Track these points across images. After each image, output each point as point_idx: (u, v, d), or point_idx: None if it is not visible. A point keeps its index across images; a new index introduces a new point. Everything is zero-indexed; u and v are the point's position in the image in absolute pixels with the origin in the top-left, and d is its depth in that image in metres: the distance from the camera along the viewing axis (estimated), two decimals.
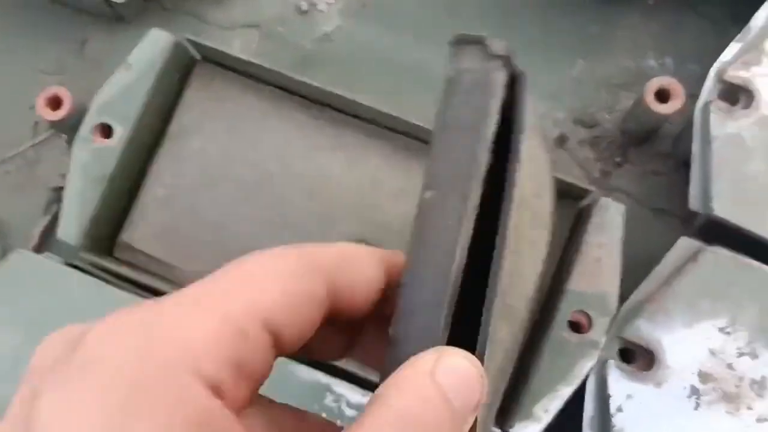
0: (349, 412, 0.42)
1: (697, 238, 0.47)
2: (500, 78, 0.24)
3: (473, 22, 0.57)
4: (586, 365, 0.45)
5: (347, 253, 0.24)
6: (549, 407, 0.45)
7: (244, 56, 0.50)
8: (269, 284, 0.21)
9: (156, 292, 0.46)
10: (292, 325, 0.21)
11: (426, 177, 0.23)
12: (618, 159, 0.54)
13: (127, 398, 0.17)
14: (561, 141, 0.54)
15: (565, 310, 0.45)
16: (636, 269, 0.47)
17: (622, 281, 0.46)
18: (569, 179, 0.47)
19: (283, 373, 0.41)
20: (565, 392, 0.45)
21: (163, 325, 0.19)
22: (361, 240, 0.49)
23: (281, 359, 0.22)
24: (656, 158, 0.54)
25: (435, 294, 0.21)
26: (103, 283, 0.45)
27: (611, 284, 0.45)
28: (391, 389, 0.20)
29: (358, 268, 0.23)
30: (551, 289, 0.48)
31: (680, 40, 0.56)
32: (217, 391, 0.19)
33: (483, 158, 0.22)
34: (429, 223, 0.22)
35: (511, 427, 0.44)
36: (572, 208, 0.49)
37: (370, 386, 0.43)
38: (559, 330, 0.45)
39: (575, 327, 0.45)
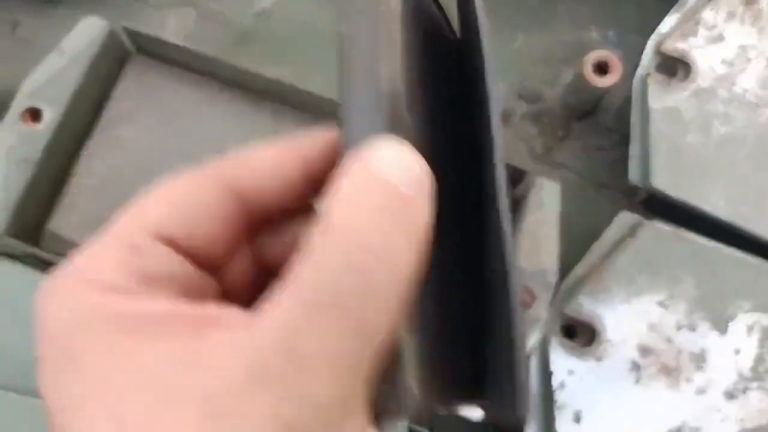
0: None
1: (641, 211, 0.47)
2: None
3: None
4: (530, 340, 0.45)
5: (244, 156, 0.23)
6: None
7: (180, 43, 0.49)
8: (155, 201, 0.22)
9: None
10: (188, 232, 0.22)
11: (338, 16, 0.22)
12: (561, 133, 0.53)
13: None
14: (504, 116, 0.54)
15: None
16: (581, 244, 0.47)
17: (568, 257, 0.46)
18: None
19: None
20: None
21: (72, 263, 0.21)
22: None
23: None
24: (599, 132, 0.54)
25: (369, 102, 0.20)
26: (30, 269, 0.44)
27: (550, 261, 0.45)
28: (329, 201, 0.19)
29: (258, 166, 0.23)
30: None
31: (623, 12, 0.56)
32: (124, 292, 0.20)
33: None
34: (351, 50, 0.21)
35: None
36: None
37: None
38: None
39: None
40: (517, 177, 0.48)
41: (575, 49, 0.55)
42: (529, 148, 0.53)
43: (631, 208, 0.51)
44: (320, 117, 0.50)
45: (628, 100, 0.50)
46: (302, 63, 0.55)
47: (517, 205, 0.48)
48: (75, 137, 0.49)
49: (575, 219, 0.52)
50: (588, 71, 0.47)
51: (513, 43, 0.55)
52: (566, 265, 0.46)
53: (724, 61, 0.47)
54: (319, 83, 0.51)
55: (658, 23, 0.49)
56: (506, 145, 0.53)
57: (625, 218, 0.45)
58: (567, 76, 0.54)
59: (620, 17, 0.56)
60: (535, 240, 0.45)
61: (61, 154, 0.48)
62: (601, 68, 0.48)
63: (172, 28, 0.56)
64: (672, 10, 0.49)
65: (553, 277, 0.45)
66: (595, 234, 0.46)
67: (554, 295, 0.45)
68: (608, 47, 0.55)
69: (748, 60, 0.47)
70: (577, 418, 0.43)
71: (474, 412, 0.23)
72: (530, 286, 0.45)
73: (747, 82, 0.47)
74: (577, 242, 0.47)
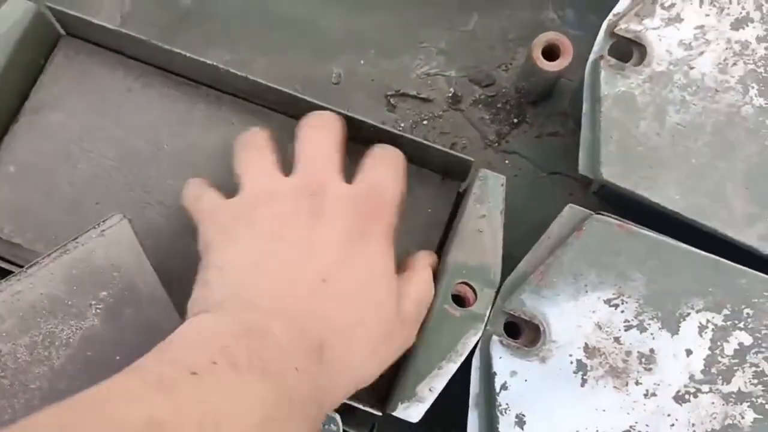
0: None
1: (595, 202, 0.44)
2: None
3: None
4: (470, 340, 0.42)
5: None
6: (433, 386, 0.42)
7: (117, 24, 0.46)
8: None
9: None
10: None
11: None
12: (514, 119, 0.51)
13: None
14: (454, 101, 0.51)
15: (448, 283, 0.42)
16: (534, 235, 0.45)
17: (520, 249, 0.44)
18: (446, 149, 0.44)
19: None
20: (450, 369, 0.42)
21: None
22: None
23: None
24: (554, 118, 0.51)
25: None
26: None
27: (493, 256, 0.43)
28: None
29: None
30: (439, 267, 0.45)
31: None
32: None
33: None
34: None
35: (393, 409, 0.42)
36: (454, 183, 0.46)
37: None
38: (442, 304, 0.42)
39: (459, 301, 0.43)
40: (462, 168, 0.45)
41: (532, 30, 0.52)
42: (481, 134, 0.51)
43: (585, 199, 0.49)
44: (258, 104, 0.47)
45: (582, 85, 0.47)
46: (244, 45, 0.52)
47: (460, 198, 0.46)
48: None
49: (528, 209, 0.49)
50: (537, 55, 0.45)
51: (467, 24, 0.52)
52: (516, 258, 0.43)
53: (681, 44, 0.44)
54: (261, 67, 0.48)
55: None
56: (457, 131, 0.50)
57: (572, 212, 0.43)
58: (522, 59, 0.51)
59: None
60: (478, 235, 0.43)
61: None
62: (552, 52, 0.45)
63: (108, 8, 0.53)
64: None
65: (496, 274, 0.43)
66: (548, 225, 0.44)
67: (497, 292, 0.43)
68: (566, 27, 0.52)
69: (707, 42, 0.44)
70: (521, 422, 0.41)
71: None
72: (472, 283, 0.42)
73: (705, 65, 0.44)
74: (529, 233, 0.45)
